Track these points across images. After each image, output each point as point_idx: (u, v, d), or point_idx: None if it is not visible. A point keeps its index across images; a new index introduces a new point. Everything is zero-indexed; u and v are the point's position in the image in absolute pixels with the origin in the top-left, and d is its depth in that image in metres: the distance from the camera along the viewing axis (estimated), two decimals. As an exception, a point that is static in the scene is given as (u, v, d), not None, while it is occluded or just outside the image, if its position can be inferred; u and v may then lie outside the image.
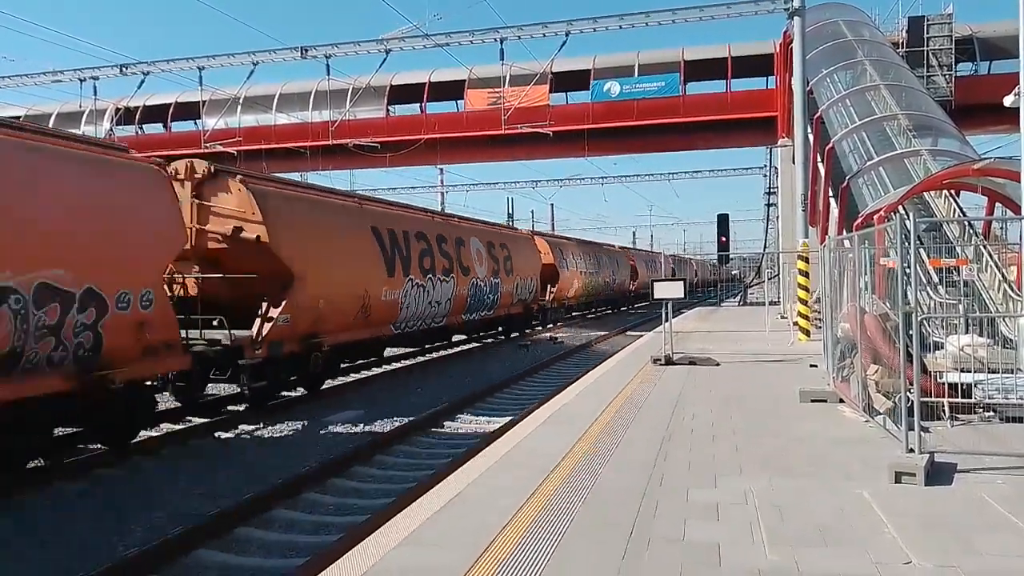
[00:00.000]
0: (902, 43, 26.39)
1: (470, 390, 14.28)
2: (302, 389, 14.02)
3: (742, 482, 5.74)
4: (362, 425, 11.44)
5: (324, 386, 14.50)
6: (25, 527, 6.89)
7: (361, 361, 17.35)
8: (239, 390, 12.42)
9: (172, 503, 7.62)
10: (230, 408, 12.81)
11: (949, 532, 4.59)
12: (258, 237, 11.97)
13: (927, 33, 26.49)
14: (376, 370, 17.55)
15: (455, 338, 23.46)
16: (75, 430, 9.90)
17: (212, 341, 11.50)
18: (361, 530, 6.07)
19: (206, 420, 11.71)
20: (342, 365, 15.86)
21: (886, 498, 5.24)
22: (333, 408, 12.65)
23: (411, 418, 11.63)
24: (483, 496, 5.51)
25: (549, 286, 30.17)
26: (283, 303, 12.29)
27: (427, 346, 21.38)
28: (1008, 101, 10.56)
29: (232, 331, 11.52)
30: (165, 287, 10.57)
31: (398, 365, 18.57)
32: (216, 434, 10.91)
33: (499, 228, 28.10)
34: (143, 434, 10.46)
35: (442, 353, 21.14)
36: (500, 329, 26.22)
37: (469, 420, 12.17)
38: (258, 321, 12.05)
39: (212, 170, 12.33)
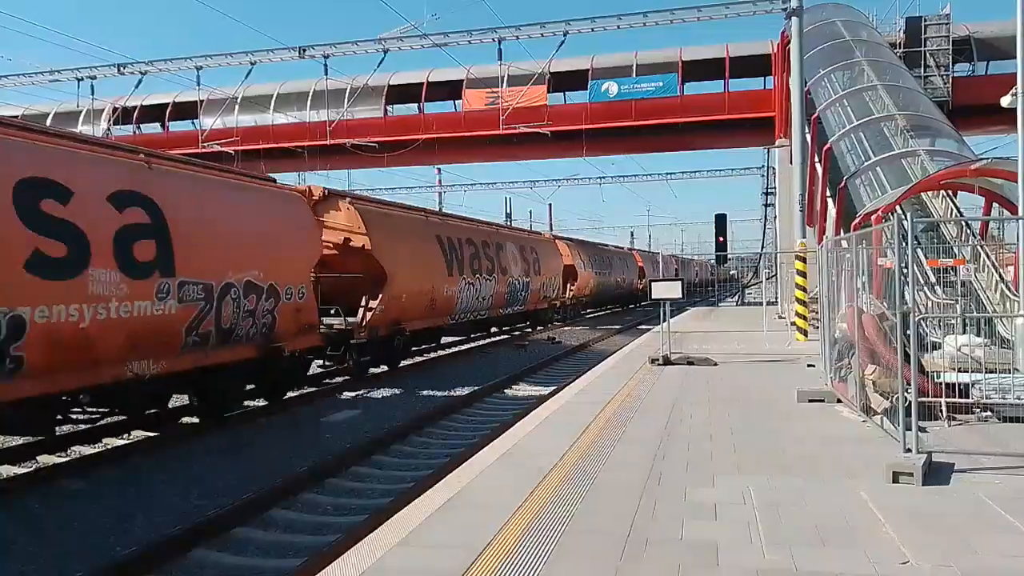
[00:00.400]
0: (900, 43, 26.40)
1: (469, 390, 14.37)
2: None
3: (740, 482, 5.75)
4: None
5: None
6: (26, 525, 6.89)
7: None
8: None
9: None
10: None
11: (946, 532, 4.61)
12: (363, 245, 15.39)
13: (924, 33, 26.49)
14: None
15: (445, 340, 23.63)
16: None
17: (328, 325, 14.61)
18: (359, 530, 6.08)
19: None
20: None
21: (884, 498, 5.25)
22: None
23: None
24: (481, 496, 5.51)
25: (569, 284, 32.83)
26: (379, 296, 15.65)
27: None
28: (1005, 102, 10.58)
29: (346, 318, 14.96)
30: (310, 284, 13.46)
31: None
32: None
33: (528, 233, 31.90)
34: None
35: (440, 353, 21.18)
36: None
37: (465, 420, 12.19)
38: (361, 310, 15.45)
39: (326, 193, 15.70)
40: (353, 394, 14.20)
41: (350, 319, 15.06)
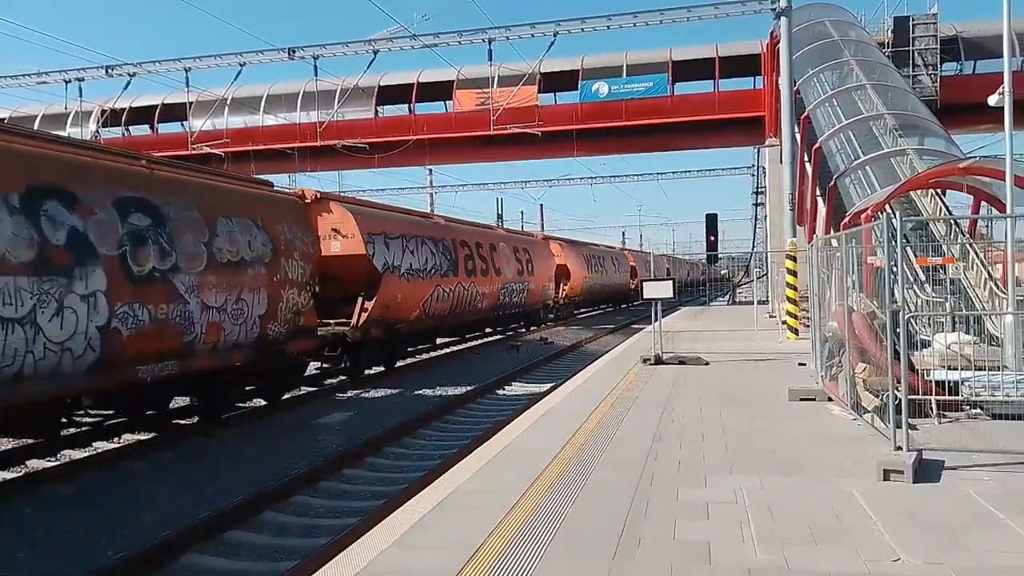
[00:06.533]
0: (888, 43, 26.54)
1: (463, 390, 14.45)
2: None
3: (732, 481, 5.76)
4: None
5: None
6: (17, 530, 6.84)
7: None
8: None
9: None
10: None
11: (937, 529, 4.63)
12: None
13: (912, 33, 26.65)
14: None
15: (440, 340, 23.82)
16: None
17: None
18: (353, 532, 6.06)
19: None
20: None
21: (875, 496, 5.27)
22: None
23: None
24: (474, 497, 5.51)
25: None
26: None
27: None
28: (993, 100, 10.66)
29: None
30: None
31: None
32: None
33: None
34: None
35: (434, 354, 21.20)
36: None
37: (458, 421, 12.18)
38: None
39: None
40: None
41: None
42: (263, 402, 12.87)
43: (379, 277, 16.01)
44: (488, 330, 27.26)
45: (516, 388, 15.52)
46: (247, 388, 12.44)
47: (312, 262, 13.47)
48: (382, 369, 17.15)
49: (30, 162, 8.40)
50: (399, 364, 18.13)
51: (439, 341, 22.92)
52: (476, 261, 22.09)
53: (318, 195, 15.56)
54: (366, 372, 16.59)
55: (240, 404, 12.50)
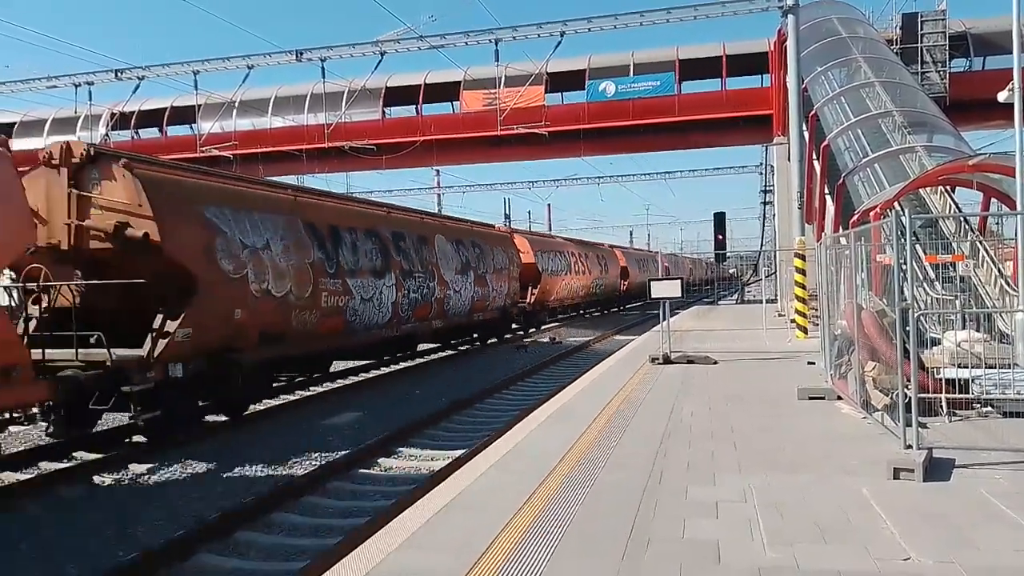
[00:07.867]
0: (896, 40, 26.39)
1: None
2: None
3: (741, 480, 5.75)
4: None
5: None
6: (28, 531, 6.88)
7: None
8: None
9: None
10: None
11: (948, 528, 4.61)
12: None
13: (921, 29, 26.49)
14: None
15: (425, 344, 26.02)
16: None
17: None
18: (362, 532, 6.08)
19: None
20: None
21: (885, 494, 5.26)
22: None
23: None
24: (483, 495, 5.52)
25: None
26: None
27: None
28: (1002, 97, 10.59)
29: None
30: None
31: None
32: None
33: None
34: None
35: (440, 355, 21.28)
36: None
37: (466, 423, 12.21)
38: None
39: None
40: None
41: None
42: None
43: (540, 275, 27.71)
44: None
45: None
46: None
47: (518, 266, 25.15)
48: (534, 328, 28.12)
49: (468, 234, 22.09)
50: (543, 327, 29.49)
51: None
52: (579, 264, 34.24)
53: (509, 229, 27.64)
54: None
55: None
